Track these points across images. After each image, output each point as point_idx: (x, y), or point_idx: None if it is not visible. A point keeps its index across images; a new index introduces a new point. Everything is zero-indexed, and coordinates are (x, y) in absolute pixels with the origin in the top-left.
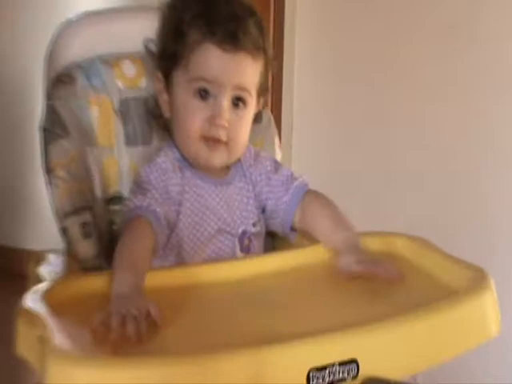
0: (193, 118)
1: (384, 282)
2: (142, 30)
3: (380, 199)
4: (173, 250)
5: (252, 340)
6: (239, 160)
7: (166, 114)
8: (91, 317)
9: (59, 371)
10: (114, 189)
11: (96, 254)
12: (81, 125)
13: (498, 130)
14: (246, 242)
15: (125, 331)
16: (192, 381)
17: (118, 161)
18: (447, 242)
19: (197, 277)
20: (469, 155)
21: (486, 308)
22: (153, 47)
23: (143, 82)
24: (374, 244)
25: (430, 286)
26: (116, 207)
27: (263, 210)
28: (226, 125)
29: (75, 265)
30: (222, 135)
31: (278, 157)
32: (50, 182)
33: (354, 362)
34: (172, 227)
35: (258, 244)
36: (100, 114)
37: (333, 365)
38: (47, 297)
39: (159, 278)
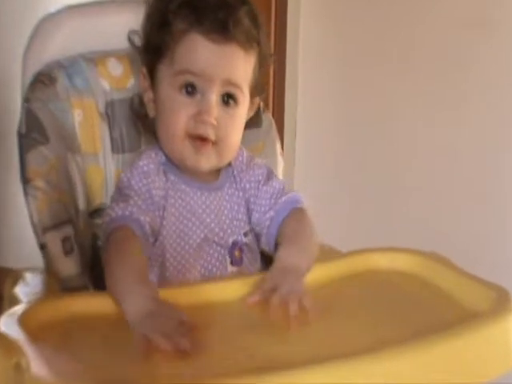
0: (177, 115)
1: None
2: (128, 24)
3: (387, 205)
4: (157, 260)
5: (259, 367)
6: (230, 164)
7: (151, 113)
8: (73, 342)
9: None
10: (98, 200)
11: (79, 273)
12: (62, 130)
13: None
14: (237, 253)
15: (175, 347)
16: None
17: (103, 169)
18: (461, 257)
19: (198, 296)
20: (485, 159)
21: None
22: (138, 40)
23: (131, 82)
24: (382, 261)
25: (448, 308)
26: (101, 221)
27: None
28: (215, 123)
29: (55, 284)
30: (210, 134)
31: (280, 165)
32: (27, 193)
33: None
34: (156, 235)
35: (252, 256)
36: (83, 118)
37: None
38: (24, 320)
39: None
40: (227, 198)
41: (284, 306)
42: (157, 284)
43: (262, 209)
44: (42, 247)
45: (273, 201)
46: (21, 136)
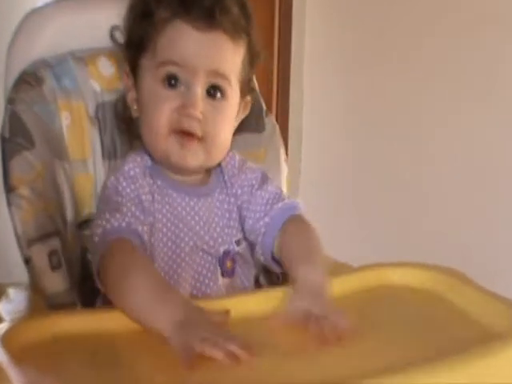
0: (160, 109)
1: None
2: (121, 20)
3: (400, 216)
4: None
5: None
6: (221, 168)
7: (135, 113)
8: (59, 364)
9: None
10: (87, 210)
11: (66, 289)
12: (48, 134)
13: None
14: (229, 263)
15: (226, 353)
16: None
17: (92, 177)
18: (479, 271)
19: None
20: (505, 163)
21: None
22: (120, 37)
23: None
24: (395, 276)
25: (467, 328)
26: (90, 232)
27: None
28: (200, 116)
29: (41, 301)
30: (196, 128)
31: (284, 173)
32: (11, 203)
33: None
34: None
35: (246, 267)
36: (71, 122)
37: None
38: (6, 340)
39: None
40: (218, 204)
41: (320, 330)
42: None
43: (257, 215)
44: (27, 261)
45: (268, 207)
46: (4, 140)
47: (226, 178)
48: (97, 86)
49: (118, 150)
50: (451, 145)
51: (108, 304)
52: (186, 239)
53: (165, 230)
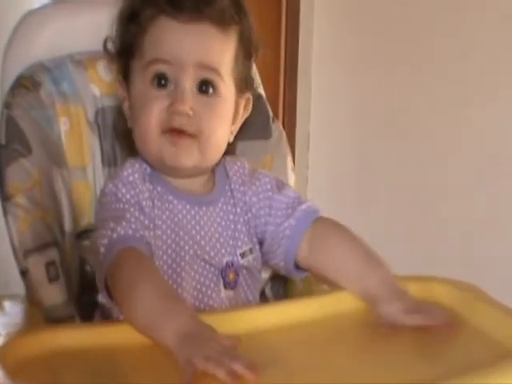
0: (149, 110)
1: (431, 337)
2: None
3: (415, 228)
4: None
5: None
6: (227, 177)
7: (130, 123)
8: (57, 380)
9: None
10: (86, 220)
11: (64, 301)
12: (46, 140)
13: None
14: (232, 275)
15: (229, 372)
16: None
17: (92, 184)
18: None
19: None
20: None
21: None
22: (112, 47)
23: None
24: (411, 291)
25: (483, 345)
26: (89, 243)
27: (261, 241)
28: (190, 112)
29: (38, 314)
30: (186, 125)
31: (291, 181)
32: (7, 212)
33: None
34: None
35: (251, 281)
36: (70, 127)
37: None
38: (3, 355)
39: None
40: (221, 214)
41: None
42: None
43: (277, 220)
44: (24, 273)
45: (289, 210)
46: (0, 147)
47: (232, 186)
48: (96, 91)
49: (118, 157)
50: (463, 147)
51: (107, 317)
52: (186, 248)
53: (164, 237)
